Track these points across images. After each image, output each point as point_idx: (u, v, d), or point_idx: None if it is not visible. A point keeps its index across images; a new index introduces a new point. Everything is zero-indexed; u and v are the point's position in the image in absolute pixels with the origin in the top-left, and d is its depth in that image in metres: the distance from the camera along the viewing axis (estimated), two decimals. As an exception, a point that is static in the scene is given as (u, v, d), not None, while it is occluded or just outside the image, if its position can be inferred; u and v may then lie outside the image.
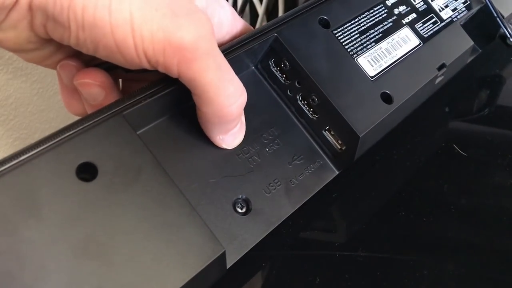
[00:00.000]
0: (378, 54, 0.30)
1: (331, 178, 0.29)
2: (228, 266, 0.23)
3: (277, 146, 0.27)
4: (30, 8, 0.20)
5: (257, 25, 0.79)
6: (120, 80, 0.28)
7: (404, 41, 0.32)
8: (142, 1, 0.20)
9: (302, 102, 0.28)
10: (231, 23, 0.27)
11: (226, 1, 0.27)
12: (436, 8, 0.35)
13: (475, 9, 0.38)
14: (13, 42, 0.22)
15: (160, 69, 0.22)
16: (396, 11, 0.33)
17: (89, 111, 0.25)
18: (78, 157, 0.20)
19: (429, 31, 0.33)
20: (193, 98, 0.23)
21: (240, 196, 0.25)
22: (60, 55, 0.24)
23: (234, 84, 0.23)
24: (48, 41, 0.22)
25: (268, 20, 0.79)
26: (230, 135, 0.25)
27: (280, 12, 0.75)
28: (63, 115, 0.58)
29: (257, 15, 0.79)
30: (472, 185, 0.32)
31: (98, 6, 0.20)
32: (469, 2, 0.38)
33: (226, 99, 0.22)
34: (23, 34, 0.22)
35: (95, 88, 0.24)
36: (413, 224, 0.29)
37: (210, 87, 0.22)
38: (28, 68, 0.50)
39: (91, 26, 0.20)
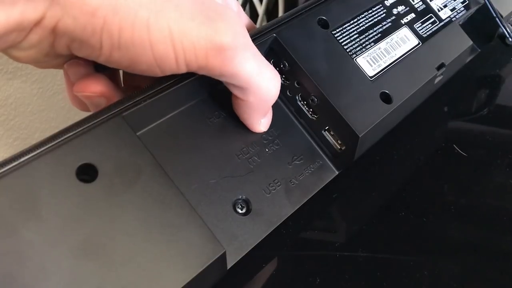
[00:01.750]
0: (377, 54, 0.30)
1: (331, 178, 0.29)
2: (228, 267, 0.23)
3: (276, 147, 0.28)
4: (54, 31, 0.20)
5: (257, 25, 0.79)
6: (121, 71, 0.28)
7: (403, 41, 0.32)
8: (177, 14, 0.21)
9: (302, 102, 0.28)
10: None
11: None
12: (435, 8, 0.35)
13: (473, 9, 0.38)
14: (31, 58, 0.22)
15: (200, 72, 0.22)
16: (395, 11, 0.33)
17: (93, 110, 0.25)
18: (78, 158, 0.20)
19: (428, 31, 0.34)
20: (233, 92, 0.24)
21: (240, 197, 0.25)
22: (71, 58, 0.24)
23: (269, 68, 0.24)
24: (68, 54, 0.22)
25: (268, 20, 0.79)
26: (267, 117, 0.27)
27: (280, 12, 0.75)
28: (63, 115, 0.58)
29: (257, 15, 0.79)
30: (472, 185, 0.32)
31: (135, 25, 0.20)
32: (467, 1, 0.38)
33: (268, 84, 0.24)
34: (43, 51, 0.22)
35: (97, 99, 0.24)
36: (413, 224, 0.29)
37: (252, 76, 0.23)
38: (28, 68, 0.50)
39: (128, 45, 0.20)
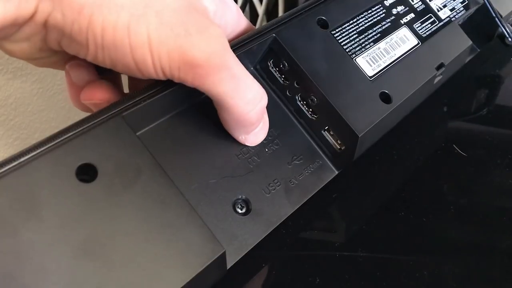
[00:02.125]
0: (376, 54, 0.30)
1: (331, 178, 0.29)
2: (228, 267, 0.23)
3: (276, 147, 0.28)
4: (45, 25, 0.20)
5: (257, 25, 0.79)
6: (124, 76, 0.28)
7: (402, 41, 0.32)
8: (158, 21, 0.21)
9: (301, 102, 0.28)
10: (236, 22, 0.28)
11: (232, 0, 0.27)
12: (434, 8, 0.36)
13: (473, 9, 0.38)
14: (25, 52, 0.22)
15: (177, 81, 0.22)
16: (394, 11, 0.33)
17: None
18: (78, 158, 0.20)
19: (427, 31, 0.34)
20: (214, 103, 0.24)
21: (239, 197, 0.25)
22: (70, 58, 0.25)
23: (252, 91, 0.23)
24: (61, 51, 0.23)
25: (268, 20, 0.79)
26: (252, 135, 0.26)
27: (280, 12, 0.75)
28: (63, 115, 0.58)
29: (257, 15, 0.79)
30: (472, 185, 0.32)
31: (117, 27, 0.20)
32: (467, 1, 0.38)
33: (244, 107, 0.23)
34: (36, 45, 0.22)
35: (102, 105, 0.24)
36: (413, 224, 0.29)
37: (226, 98, 0.22)
38: (28, 68, 0.50)
39: (110, 47, 0.20)
